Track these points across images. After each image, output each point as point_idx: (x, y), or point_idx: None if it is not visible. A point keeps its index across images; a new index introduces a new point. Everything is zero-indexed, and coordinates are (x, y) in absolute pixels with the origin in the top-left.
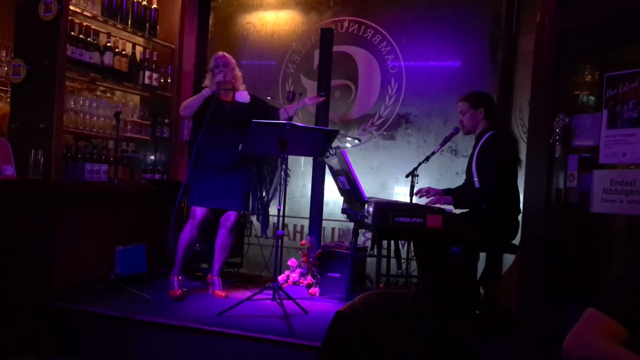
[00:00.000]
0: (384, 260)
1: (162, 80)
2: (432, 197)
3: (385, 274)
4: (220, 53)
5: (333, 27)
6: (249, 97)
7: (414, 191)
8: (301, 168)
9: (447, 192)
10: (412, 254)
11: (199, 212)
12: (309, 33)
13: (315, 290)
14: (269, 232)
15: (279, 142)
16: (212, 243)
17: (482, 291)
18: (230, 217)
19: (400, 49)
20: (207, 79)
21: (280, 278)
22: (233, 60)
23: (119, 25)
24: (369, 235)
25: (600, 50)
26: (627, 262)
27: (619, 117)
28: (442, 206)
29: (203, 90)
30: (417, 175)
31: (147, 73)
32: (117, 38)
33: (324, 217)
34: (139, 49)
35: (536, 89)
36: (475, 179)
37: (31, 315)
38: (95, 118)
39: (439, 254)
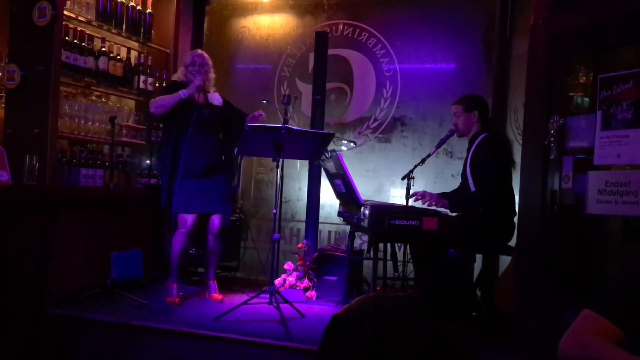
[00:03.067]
0: (381, 263)
1: (157, 85)
2: (427, 201)
3: (382, 276)
4: (199, 51)
5: (328, 31)
6: (221, 99)
7: (410, 194)
8: (297, 171)
9: (442, 195)
10: (409, 256)
11: (189, 220)
12: (303, 36)
13: (312, 293)
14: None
15: (275, 145)
16: (206, 248)
17: (478, 293)
18: (214, 223)
19: (395, 52)
20: (179, 72)
21: (277, 282)
22: (210, 62)
23: (113, 30)
24: (365, 238)
25: (594, 52)
26: (622, 262)
27: (613, 119)
28: (438, 209)
29: (180, 92)
30: (413, 178)
31: (142, 77)
32: (112, 43)
33: (320, 220)
34: (133, 54)
35: (530, 91)
36: (470, 182)
37: (27, 321)
38: (90, 123)
39: (436, 256)
